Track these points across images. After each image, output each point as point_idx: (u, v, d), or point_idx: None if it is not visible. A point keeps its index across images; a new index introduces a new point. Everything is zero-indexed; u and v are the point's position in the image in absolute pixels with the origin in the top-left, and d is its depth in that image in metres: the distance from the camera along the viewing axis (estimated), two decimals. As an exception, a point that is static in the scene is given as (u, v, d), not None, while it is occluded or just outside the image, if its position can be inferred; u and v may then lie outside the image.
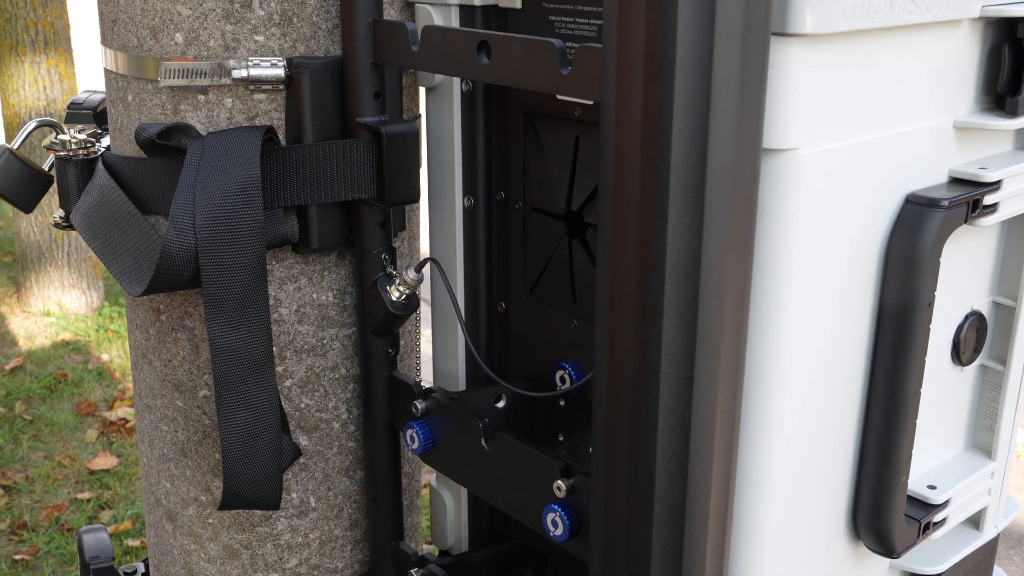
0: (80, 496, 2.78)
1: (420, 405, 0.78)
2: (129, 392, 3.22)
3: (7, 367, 3.36)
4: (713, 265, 0.55)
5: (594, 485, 0.61)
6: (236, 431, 0.76)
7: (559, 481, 0.67)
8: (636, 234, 0.54)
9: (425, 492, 2.02)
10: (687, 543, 0.60)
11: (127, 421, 3.03)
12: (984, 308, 0.78)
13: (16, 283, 4.16)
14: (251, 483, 0.78)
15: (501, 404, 0.79)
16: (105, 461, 2.93)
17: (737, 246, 0.56)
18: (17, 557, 2.60)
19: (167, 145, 0.74)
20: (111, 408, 3.14)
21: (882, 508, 0.71)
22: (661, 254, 0.53)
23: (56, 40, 3.59)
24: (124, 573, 0.99)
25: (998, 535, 0.85)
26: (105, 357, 3.50)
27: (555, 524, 0.67)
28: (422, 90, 0.83)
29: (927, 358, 0.69)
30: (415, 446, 0.78)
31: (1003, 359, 0.79)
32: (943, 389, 0.78)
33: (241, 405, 0.76)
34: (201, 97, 0.76)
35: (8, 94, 3.69)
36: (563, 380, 0.76)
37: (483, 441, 0.73)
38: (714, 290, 0.55)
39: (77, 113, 0.90)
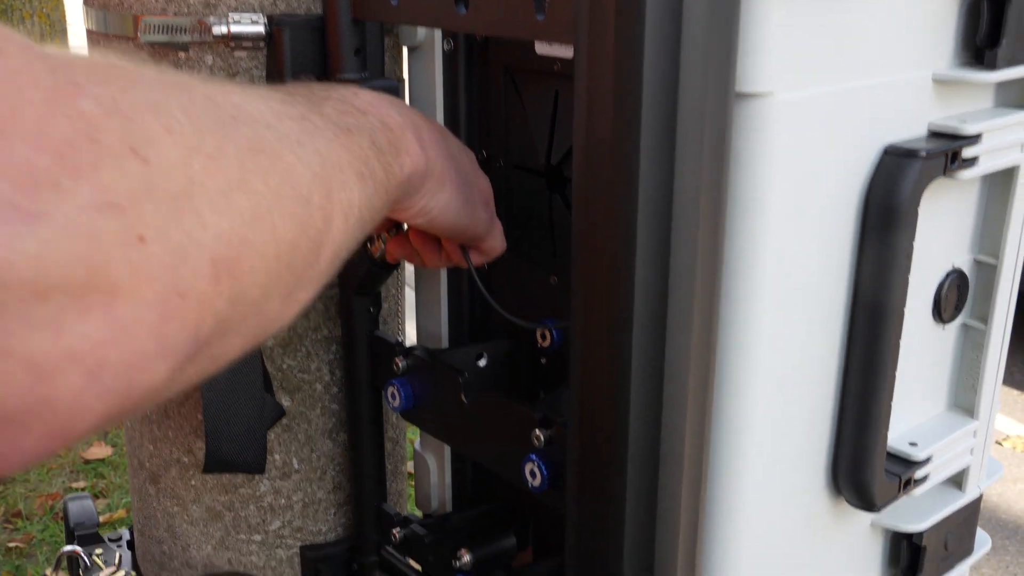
0: (75, 485, 2.78)
1: (402, 362, 0.78)
2: (124, 381, 3.21)
3: (2, 357, 3.36)
4: (686, 208, 0.55)
5: (570, 429, 0.61)
6: (217, 387, 0.76)
7: (537, 431, 0.67)
8: (609, 175, 0.54)
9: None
10: (662, 487, 0.60)
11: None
12: (965, 266, 0.78)
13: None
14: (233, 442, 0.78)
15: (483, 362, 0.79)
16: (100, 451, 2.93)
17: (710, 190, 0.56)
18: (11, 545, 2.60)
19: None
20: (106, 397, 3.14)
21: (862, 462, 0.71)
22: (633, 195, 0.54)
23: (52, 32, 3.60)
24: (109, 539, 0.99)
25: (981, 496, 0.85)
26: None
27: (533, 474, 0.67)
28: (405, 52, 0.84)
29: (907, 312, 0.69)
30: (396, 403, 0.78)
31: (984, 318, 0.80)
32: (925, 347, 0.78)
33: (222, 362, 0.76)
34: (182, 54, 0.76)
35: (4, 85, 3.68)
36: (544, 337, 0.76)
37: (463, 396, 0.73)
38: (687, 232, 0.55)
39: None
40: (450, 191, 0.65)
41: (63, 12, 3.65)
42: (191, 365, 0.39)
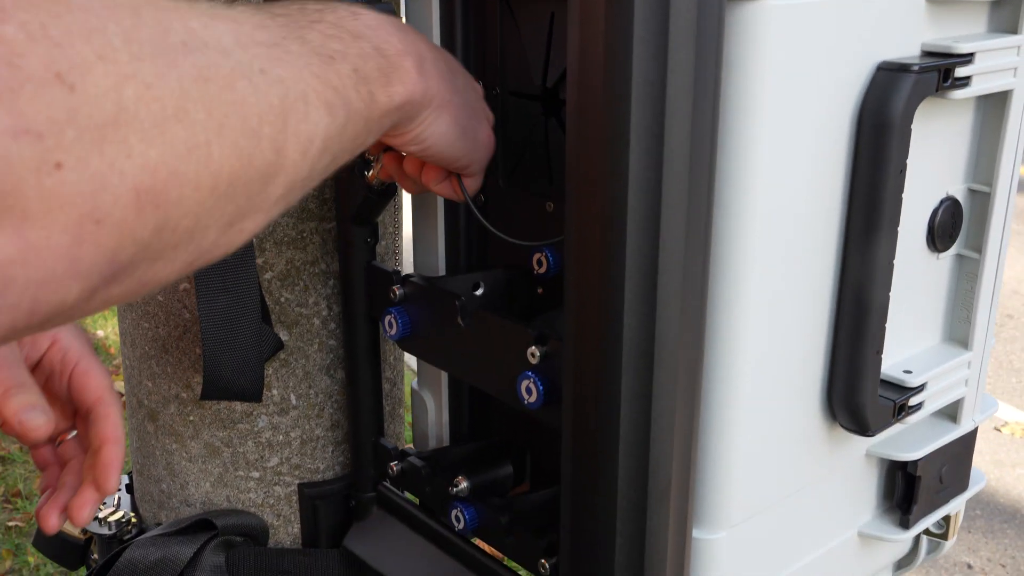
0: (74, 464, 2.77)
1: (399, 291, 0.78)
2: (124, 365, 3.22)
3: (2, 342, 3.37)
4: (678, 112, 0.55)
5: (565, 342, 0.61)
6: (216, 314, 0.76)
7: (533, 348, 0.67)
8: (600, 83, 0.54)
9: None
10: (656, 399, 0.60)
11: (121, 395, 3.03)
12: (959, 195, 0.79)
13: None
14: (231, 369, 0.78)
15: (480, 291, 0.79)
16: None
17: (703, 92, 0.56)
18: (11, 524, 2.61)
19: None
20: (105, 380, 3.14)
21: (856, 384, 0.72)
22: (626, 108, 0.54)
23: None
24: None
25: (976, 429, 0.86)
26: (100, 334, 3.51)
27: (529, 391, 0.68)
28: (402, -12, 0.84)
29: (901, 238, 0.70)
30: (393, 332, 0.78)
31: (978, 247, 0.80)
32: (919, 278, 0.78)
33: (220, 288, 0.76)
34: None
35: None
36: (540, 263, 0.76)
37: (460, 319, 0.73)
38: (680, 143, 0.55)
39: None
40: (447, 122, 0.65)
41: None
42: (113, 286, 0.40)
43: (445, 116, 0.65)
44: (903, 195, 0.68)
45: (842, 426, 0.74)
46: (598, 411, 0.60)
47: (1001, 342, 4.28)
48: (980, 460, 3.44)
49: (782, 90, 0.62)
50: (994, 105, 0.76)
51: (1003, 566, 2.97)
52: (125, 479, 1.01)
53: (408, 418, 1.03)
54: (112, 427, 0.70)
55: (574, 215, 0.58)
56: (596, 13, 0.54)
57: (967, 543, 3.05)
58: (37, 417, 0.65)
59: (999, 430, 3.68)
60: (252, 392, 0.79)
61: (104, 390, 0.71)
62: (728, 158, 0.62)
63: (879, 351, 0.72)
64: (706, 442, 0.68)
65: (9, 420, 0.64)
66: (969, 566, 2.97)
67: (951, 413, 0.84)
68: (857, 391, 0.72)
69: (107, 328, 3.50)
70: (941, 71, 0.68)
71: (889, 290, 0.70)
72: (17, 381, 0.65)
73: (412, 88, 0.60)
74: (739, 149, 0.62)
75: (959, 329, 0.83)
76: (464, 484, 0.78)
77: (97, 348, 3.31)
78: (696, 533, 0.68)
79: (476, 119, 0.69)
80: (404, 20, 0.83)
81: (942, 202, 0.77)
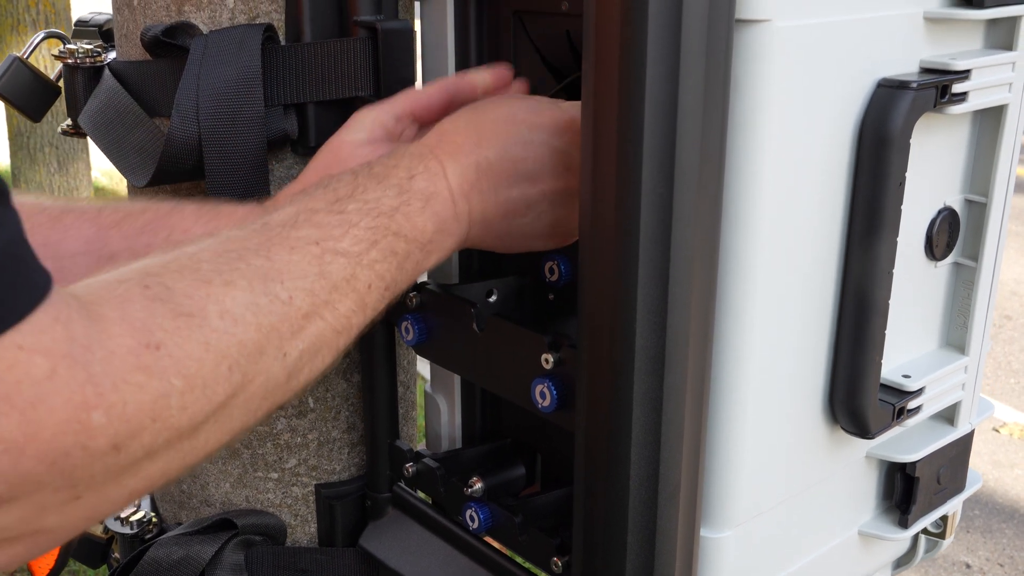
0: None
1: (416, 298, 0.81)
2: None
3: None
4: (689, 128, 0.58)
5: (579, 346, 0.64)
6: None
7: (547, 354, 0.70)
8: (616, 98, 0.57)
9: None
10: (666, 403, 0.63)
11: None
12: (956, 205, 0.81)
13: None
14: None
15: (493, 298, 0.82)
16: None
17: (712, 114, 0.59)
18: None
19: (171, 44, 0.77)
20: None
21: (857, 389, 0.74)
22: (639, 120, 0.57)
23: (57, 20, 3.63)
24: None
25: (972, 431, 0.88)
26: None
27: (543, 395, 0.70)
28: (417, 5, 0.87)
29: (900, 248, 0.73)
30: (410, 337, 0.81)
31: (975, 256, 0.83)
32: (918, 285, 0.81)
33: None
34: (204, -1, 0.79)
35: (9, 75, 3.71)
36: (552, 271, 0.79)
37: (475, 325, 0.76)
38: (690, 157, 0.58)
39: (83, 30, 0.93)
40: (498, 238, 0.72)
41: (67, 1, 3.69)
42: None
43: (488, 239, 0.72)
44: (902, 206, 0.71)
45: (843, 429, 0.77)
46: (610, 416, 0.63)
47: (999, 343, 4.31)
48: (978, 461, 3.47)
49: (786, 107, 0.65)
50: (990, 119, 0.79)
51: (1001, 565, 3.00)
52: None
53: (420, 420, 1.06)
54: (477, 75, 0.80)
55: (588, 229, 0.61)
56: (611, 36, 0.56)
57: (965, 543, 3.08)
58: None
59: (998, 431, 3.71)
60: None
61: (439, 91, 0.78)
62: (735, 173, 0.65)
63: (879, 356, 0.74)
64: (713, 444, 0.70)
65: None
66: (968, 565, 2.99)
67: (949, 416, 0.87)
68: (858, 395, 0.74)
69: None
70: (939, 87, 0.70)
71: (889, 298, 0.73)
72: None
73: (456, 239, 0.69)
74: (746, 164, 0.65)
75: (956, 335, 0.86)
76: (479, 485, 0.81)
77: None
78: (704, 532, 0.71)
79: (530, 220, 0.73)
80: (420, 31, 0.85)
81: (940, 212, 0.80)
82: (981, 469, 3.43)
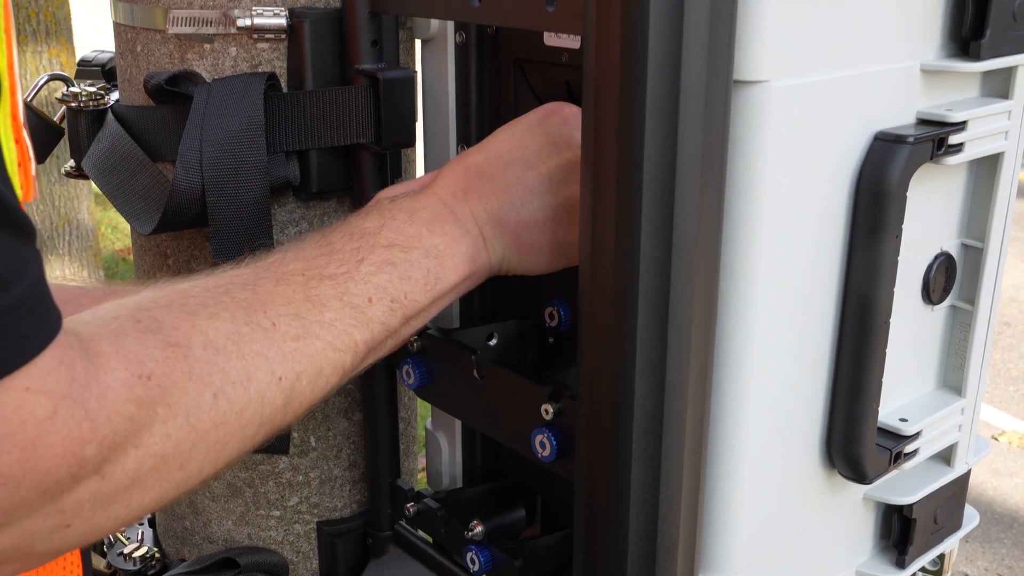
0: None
1: (416, 343, 0.81)
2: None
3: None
4: (687, 187, 0.59)
5: (579, 402, 0.64)
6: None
7: (547, 404, 0.71)
8: (615, 155, 0.57)
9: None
10: (665, 456, 0.63)
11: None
12: (953, 249, 0.82)
13: (17, 273, 4.18)
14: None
15: (493, 342, 0.83)
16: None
17: (710, 170, 0.60)
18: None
19: (175, 92, 0.78)
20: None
21: (854, 435, 0.75)
22: (638, 174, 0.57)
23: (58, 30, 3.63)
24: (131, 517, 1.02)
25: (969, 471, 0.89)
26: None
27: (543, 445, 0.71)
28: (418, 46, 0.87)
29: (897, 293, 0.73)
30: (411, 381, 0.81)
31: (971, 299, 0.83)
32: (914, 328, 0.82)
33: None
34: (207, 46, 0.79)
35: (10, 84, 3.71)
36: (552, 316, 0.80)
37: (476, 372, 0.76)
38: (688, 213, 0.59)
39: (87, 70, 0.94)
40: (518, 237, 0.71)
41: (68, 11, 3.69)
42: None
43: (519, 245, 0.71)
44: (899, 257, 0.72)
45: (841, 474, 0.77)
46: (609, 469, 0.64)
47: (998, 350, 4.31)
48: (977, 469, 3.47)
49: (784, 165, 0.65)
50: (986, 165, 0.80)
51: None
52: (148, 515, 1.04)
53: (420, 442, 1.06)
54: None
55: (587, 290, 0.61)
56: (611, 88, 0.57)
57: (964, 552, 3.08)
58: None
59: (996, 439, 3.71)
60: (280, 447, 0.83)
61: None
62: (733, 232, 0.65)
63: (876, 404, 0.75)
64: (712, 493, 0.71)
65: None
66: (966, 575, 3.00)
67: (946, 456, 0.87)
68: (855, 442, 0.75)
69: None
70: (935, 140, 0.71)
71: (886, 347, 0.74)
72: None
73: (465, 269, 0.68)
74: (743, 224, 0.65)
75: (953, 376, 0.86)
76: (479, 528, 0.81)
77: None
78: (702, 579, 0.72)
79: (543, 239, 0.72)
80: (421, 78, 0.86)
81: (937, 257, 0.81)
82: (980, 478, 3.43)
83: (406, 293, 0.64)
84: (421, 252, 0.65)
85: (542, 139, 0.70)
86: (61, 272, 4.02)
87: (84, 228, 3.98)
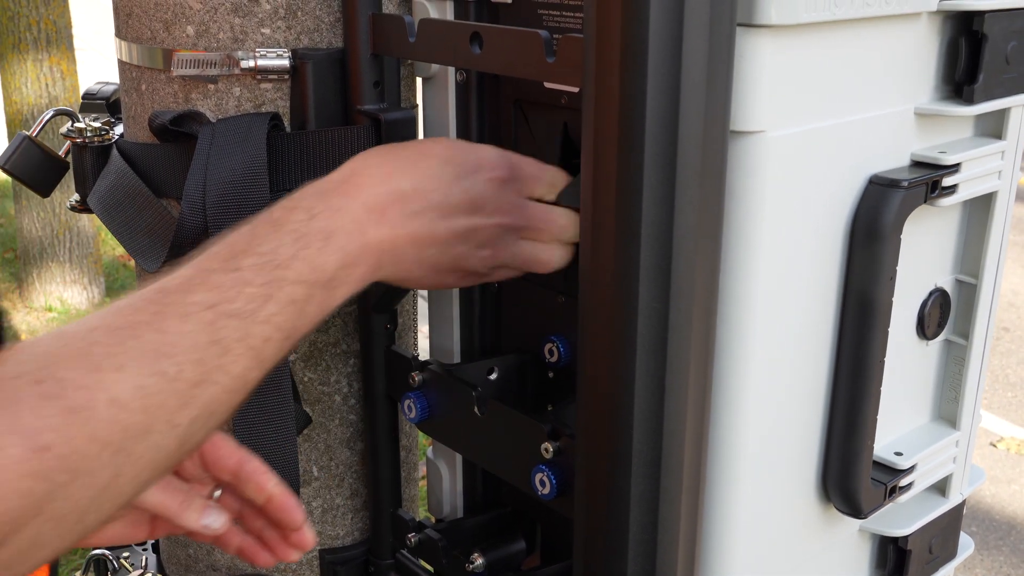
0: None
1: (418, 377, 0.83)
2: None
3: (10, 361, 3.40)
4: (685, 236, 0.60)
5: (578, 443, 0.65)
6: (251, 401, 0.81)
7: (547, 443, 0.72)
8: (613, 204, 0.58)
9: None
10: (663, 493, 0.64)
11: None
12: (947, 285, 0.83)
13: (18, 279, 4.20)
14: (268, 453, 0.82)
15: (494, 376, 0.84)
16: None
17: (708, 219, 0.61)
18: None
19: (179, 131, 0.79)
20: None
21: (850, 471, 0.76)
22: (636, 222, 0.58)
23: (58, 38, 3.64)
24: (135, 543, 1.03)
25: (964, 501, 0.90)
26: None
27: (543, 483, 0.72)
28: (419, 81, 0.88)
29: (892, 330, 0.74)
30: (413, 415, 0.83)
31: (966, 334, 0.84)
32: (909, 362, 0.83)
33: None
34: (211, 86, 0.80)
35: (11, 91, 3.73)
36: (551, 352, 0.81)
37: (476, 408, 0.77)
38: (687, 259, 0.60)
39: (91, 103, 0.95)
40: (408, 270, 0.71)
41: (69, 19, 3.70)
42: None
43: (404, 266, 0.70)
44: (893, 297, 0.73)
45: (836, 508, 0.78)
46: (608, 510, 0.65)
47: (996, 356, 4.32)
48: (975, 476, 3.46)
49: (780, 211, 0.66)
50: (980, 204, 0.81)
51: (997, 584, 3.02)
52: (151, 541, 1.05)
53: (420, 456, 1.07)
54: (267, 478, 0.74)
55: (586, 318, 0.62)
56: (610, 138, 0.58)
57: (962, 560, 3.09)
58: (217, 519, 0.73)
59: (994, 445, 3.72)
60: (291, 482, 0.84)
61: (238, 451, 0.75)
62: (730, 277, 0.66)
63: (871, 440, 0.76)
64: (709, 533, 0.72)
65: (197, 532, 0.73)
66: (964, 583, 3.01)
67: (941, 487, 0.89)
68: (851, 477, 0.76)
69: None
70: (929, 183, 0.72)
71: (881, 385, 0.75)
72: (182, 492, 0.73)
73: (366, 272, 0.67)
74: (740, 268, 0.66)
75: (947, 409, 0.87)
76: (480, 560, 0.82)
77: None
78: (700, 616, 0.73)
79: (450, 255, 0.71)
80: (422, 115, 0.87)
81: (931, 293, 0.82)
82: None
83: (298, 328, 0.63)
84: (321, 286, 0.64)
85: (464, 195, 0.70)
86: (62, 278, 4.03)
87: (84, 235, 3.99)
